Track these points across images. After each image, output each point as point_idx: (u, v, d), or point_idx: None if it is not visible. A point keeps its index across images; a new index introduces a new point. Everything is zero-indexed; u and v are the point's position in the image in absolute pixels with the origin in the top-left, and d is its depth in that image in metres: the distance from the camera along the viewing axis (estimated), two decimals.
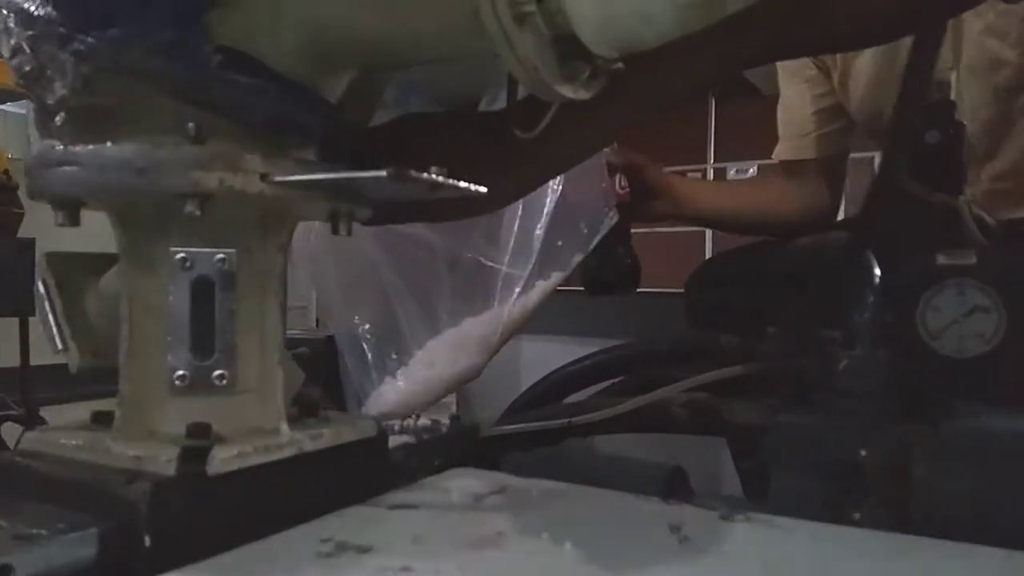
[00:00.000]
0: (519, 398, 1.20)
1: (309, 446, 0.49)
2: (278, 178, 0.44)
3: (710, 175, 4.75)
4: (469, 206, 0.59)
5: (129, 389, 0.47)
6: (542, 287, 0.86)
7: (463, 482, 0.58)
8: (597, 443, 1.44)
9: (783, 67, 1.21)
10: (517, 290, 0.85)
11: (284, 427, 0.49)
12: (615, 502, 0.54)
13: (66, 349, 0.54)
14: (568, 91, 0.38)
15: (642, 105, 0.54)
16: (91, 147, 0.45)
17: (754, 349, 0.87)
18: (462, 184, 0.44)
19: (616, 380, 1.17)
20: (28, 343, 2.18)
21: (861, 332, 0.59)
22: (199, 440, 0.45)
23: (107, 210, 0.48)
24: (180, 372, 0.47)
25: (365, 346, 0.73)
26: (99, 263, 0.56)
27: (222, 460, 0.44)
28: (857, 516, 0.54)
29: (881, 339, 0.60)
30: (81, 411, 0.51)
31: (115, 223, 0.48)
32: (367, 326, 0.75)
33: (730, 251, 1.15)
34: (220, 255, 0.47)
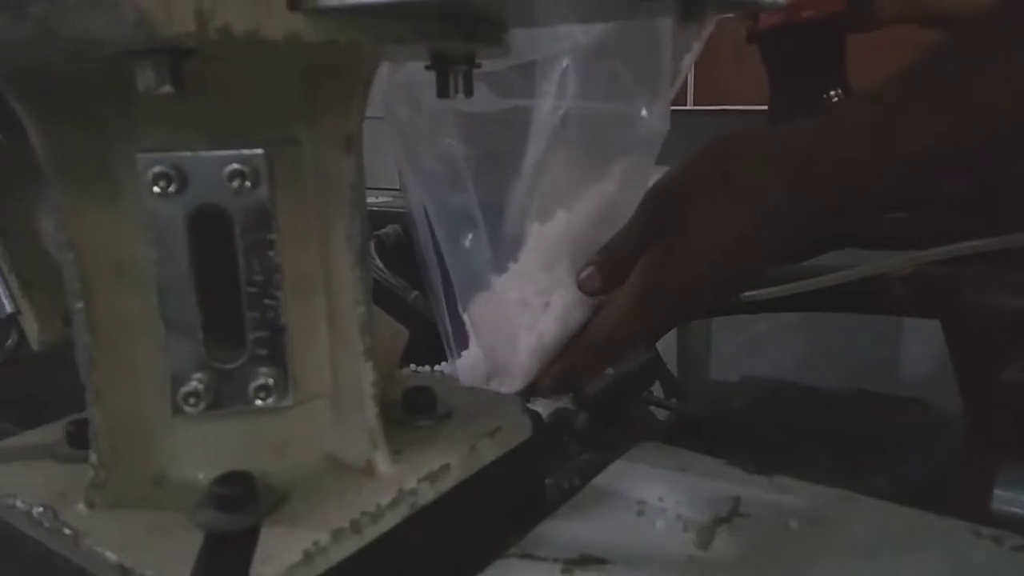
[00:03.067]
0: None
1: (428, 494, 0.27)
2: (327, 1, 0.20)
3: None
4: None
5: (101, 416, 0.26)
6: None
7: (661, 487, 0.35)
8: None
9: None
10: None
11: (381, 462, 0.27)
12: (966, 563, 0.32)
13: (20, 312, 0.33)
14: None
15: None
16: None
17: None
18: None
19: None
20: None
21: None
22: (231, 516, 0.24)
23: None
24: (192, 385, 0.25)
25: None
26: None
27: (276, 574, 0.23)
28: None
29: None
30: None
31: (17, 100, 0.25)
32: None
33: None
34: (236, 163, 0.24)
